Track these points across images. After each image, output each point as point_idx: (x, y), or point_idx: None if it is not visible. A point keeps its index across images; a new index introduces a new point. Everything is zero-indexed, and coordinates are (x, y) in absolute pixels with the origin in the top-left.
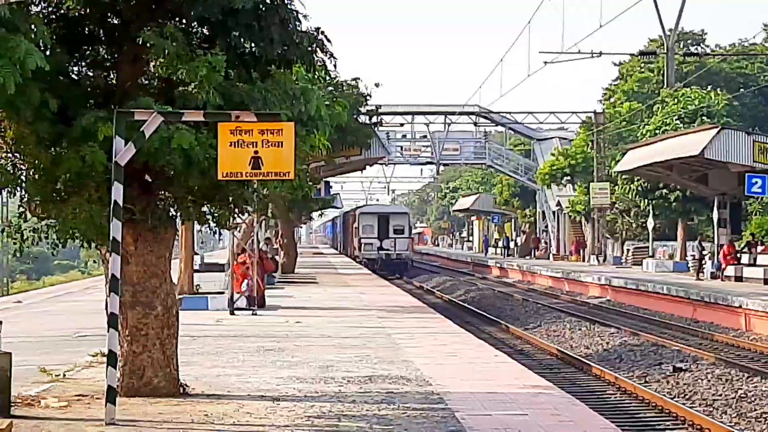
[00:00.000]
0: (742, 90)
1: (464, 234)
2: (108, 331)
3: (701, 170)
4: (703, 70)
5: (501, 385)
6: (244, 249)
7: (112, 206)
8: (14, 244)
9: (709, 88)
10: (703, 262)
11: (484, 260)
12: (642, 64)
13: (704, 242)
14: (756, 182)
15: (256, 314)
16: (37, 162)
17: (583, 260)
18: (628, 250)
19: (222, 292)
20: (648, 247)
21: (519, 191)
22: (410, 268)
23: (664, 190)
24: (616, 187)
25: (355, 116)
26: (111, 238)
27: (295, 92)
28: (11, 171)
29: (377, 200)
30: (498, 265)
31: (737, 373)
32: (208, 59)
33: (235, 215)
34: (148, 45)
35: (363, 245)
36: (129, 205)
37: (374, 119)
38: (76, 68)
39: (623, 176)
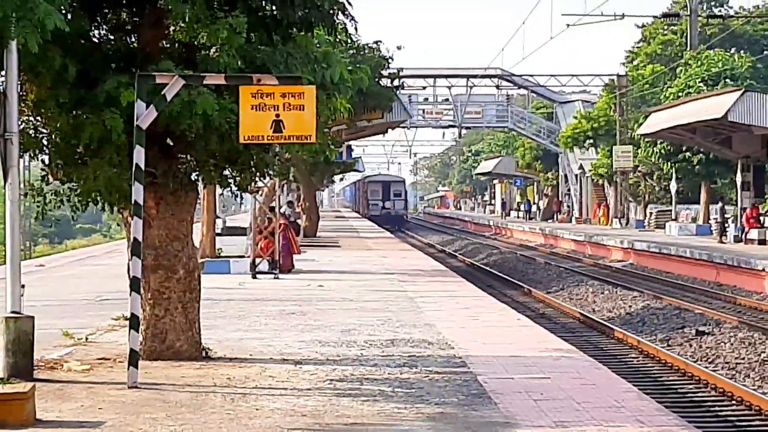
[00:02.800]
0: (765, 52)
1: (486, 197)
2: (130, 295)
3: (725, 133)
4: (726, 32)
5: (523, 349)
6: (271, 218)
7: (133, 170)
8: (37, 207)
9: (733, 50)
10: (726, 225)
11: (504, 224)
12: (665, 27)
13: (727, 205)
14: None
15: (278, 278)
16: (58, 126)
17: (607, 223)
18: (650, 213)
19: (244, 256)
20: (671, 210)
21: (541, 154)
22: (406, 222)
23: (687, 153)
24: (639, 150)
25: (376, 79)
26: (133, 201)
27: (317, 56)
28: (33, 135)
29: (399, 163)
30: (519, 228)
31: (760, 337)
32: (229, 22)
33: (257, 179)
34: (168, 9)
35: (370, 205)
36: (150, 169)
37: (396, 82)
38: (97, 32)
39: (646, 139)
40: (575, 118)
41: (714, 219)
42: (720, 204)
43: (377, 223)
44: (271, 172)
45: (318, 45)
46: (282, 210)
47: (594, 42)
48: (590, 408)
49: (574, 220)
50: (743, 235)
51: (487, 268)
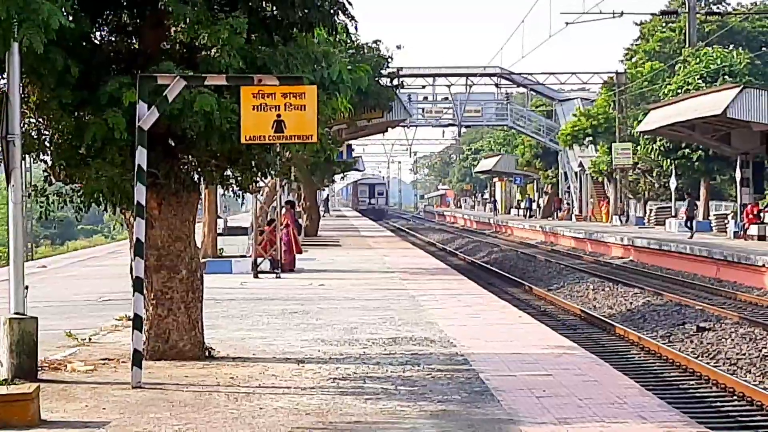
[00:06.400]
0: (764, 49)
1: (486, 195)
2: (133, 295)
3: (724, 129)
4: (724, 29)
5: (525, 346)
6: (273, 219)
7: (136, 170)
8: (40, 208)
9: (731, 47)
10: (694, 221)
11: (504, 222)
12: (663, 24)
13: (696, 200)
14: None
15: (280, 277)
16: (61, 127)
17: (607, 220)
18: (650, 210)
19: (245, 256)
20: (670, 207)
21: (541, 152)
22: (387, 214)
23: (687, 150)
24: (639, 147)
25: (376, 79)
26: (135, 202)
27: (317, 55)
28: (36, 136)
29: (399, 162)
30: (520, 226)
31: (761, 332)
32: (230, 23)
33: (258, 179)
34: (169, 10)
35: (359, 201)
36: (153, 170)
37: (396, 82)
38: (98, 34)
39: (645, 136)
40: (574, 115)
41: (715, 215)
42: (688, 199)
43: (364, 215)
44: (272, 172)
45: (318, 45)
46: (288, 201)
47: (593, 40)
48: (592, 404)
49: (574, 218)
50: (743, 231)
51: (488, 266)
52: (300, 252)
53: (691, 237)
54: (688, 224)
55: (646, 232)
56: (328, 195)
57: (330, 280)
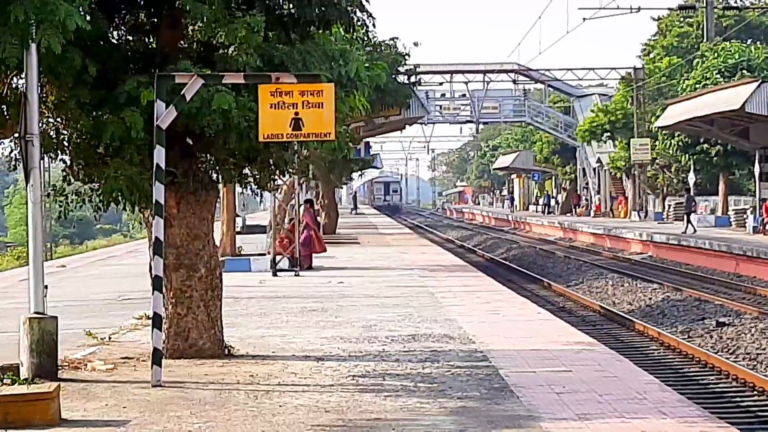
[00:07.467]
0: None
1: (505, 192)
2: (153, 294)
3: (742, 124)
4: (742, 23)
5: (544, 342)
6: (292, 218)
7: (154, 169)
8: (59, 207)
9: (749, 41)
10: (691, 216)
11: (522, 218)
12: (681, 19)
13: (695, 195)
14: None
15: (298, 275)
16: (79, 126)
17: (625, 216)
18: (669, 205)
19: (264, 254)
20: None
21: (559, 148)
22: (402, 210)
23: (705, 145)
24: (657, 143)
25: (393, 76)
26: (154, 201)
27: (335, 53)
28: (54, 136)
29: (417, 159)
30: (538, 222)
31: None
32: (247, 21)
33: (276, 177)
34: (186, 9)
35: (376, 198)
36: (171, 168)
37: (413, 79)
38: (116, 33)
39: (664, 132)
40: (592, 111)
41: (733, 210)
42: (686, 196)
43: (380, 211)
44: (290, 170)
45: (335, 42)
46: (307, 200)
47: (610, 35)
48: (612, 400)
49: (592, 213)
50: (762, 226)
51: (507, 263)
52: (324, 250)
53: (685, 232)
54: (690, 220)
55: (665, 227)
56: (356, 192)
57: (349, 277)
